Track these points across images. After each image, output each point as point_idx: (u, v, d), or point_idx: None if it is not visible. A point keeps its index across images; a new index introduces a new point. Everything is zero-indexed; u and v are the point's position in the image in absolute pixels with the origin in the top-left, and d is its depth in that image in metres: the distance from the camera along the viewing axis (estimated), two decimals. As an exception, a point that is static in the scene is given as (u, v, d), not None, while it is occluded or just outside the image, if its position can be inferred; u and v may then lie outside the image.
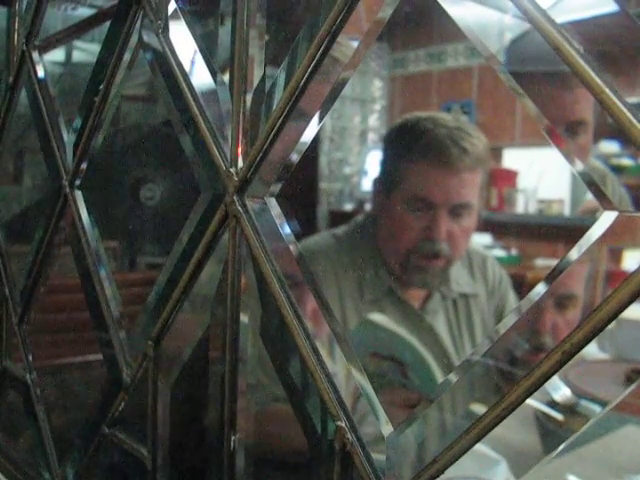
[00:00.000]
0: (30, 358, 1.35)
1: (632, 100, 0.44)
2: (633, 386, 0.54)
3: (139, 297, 1.03)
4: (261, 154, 0.72)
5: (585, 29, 0.48)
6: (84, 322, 1.16)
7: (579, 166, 0.50)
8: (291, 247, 0.73)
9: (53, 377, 1.49)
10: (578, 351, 0.47)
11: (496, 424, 0.52)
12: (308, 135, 0.72)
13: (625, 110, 0.43)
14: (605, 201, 0.47)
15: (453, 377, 0.63)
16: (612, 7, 0.47)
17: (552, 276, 0.53)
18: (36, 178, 1.76)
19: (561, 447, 0.56)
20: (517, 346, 0.57)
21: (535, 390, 0.50)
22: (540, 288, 0.54)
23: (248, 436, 0.80)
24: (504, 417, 0.51)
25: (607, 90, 0.44)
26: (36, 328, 1.38)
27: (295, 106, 0.69)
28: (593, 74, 0.45)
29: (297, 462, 0.89)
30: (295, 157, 0.73)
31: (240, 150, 0.75)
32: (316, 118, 0.71)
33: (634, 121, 0.43)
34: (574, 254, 0.50)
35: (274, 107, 0.71)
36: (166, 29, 0.84)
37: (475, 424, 0.54)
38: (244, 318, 0.77)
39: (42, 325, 1.47)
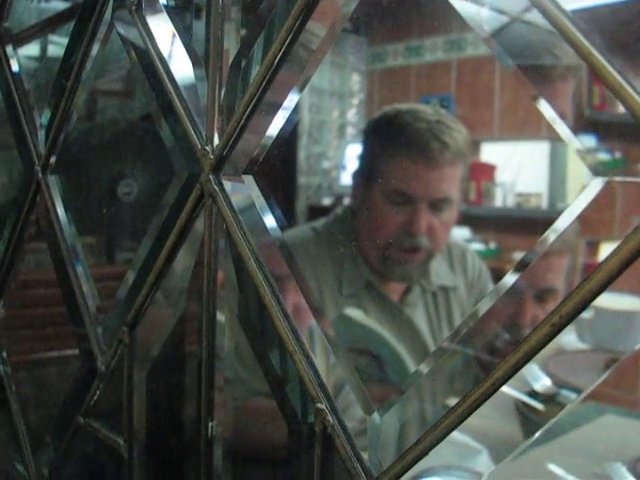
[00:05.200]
0: (4, 352, 1.33)
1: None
2: (607, 374, 0.53)
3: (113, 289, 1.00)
4: (237, 131, 0.70)
5: (598, 17, 0.46)
6: (57, 313, 1.13)
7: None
8: (269, 227, 0.71)
9: (28, 372, 1.47)
10: (567, 323, 0.45)
11: (484, 400, 0.50)
12: (286, 111, 0.71)
13: (633, 93, 0.41)
14: (594, 169, 0.46)
15: (433, 360, 0.62)
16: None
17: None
18: (12, 174, 1.75)
19: (538, 434, 0.55)
20: (498, 331, 0.56)
21: (523, 365, 0.48)
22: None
23: (226, 424, 0.78)
24: (493, 393, 0.50)
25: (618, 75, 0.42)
26: (10, 323, 1.36)
27: (272, 80, 0.67)
28: (596, 52, 0.43)
29: (277, 449, 0.87)
30: (272, 134, 0.71)
31: (216, 127, 0.73)
32: (294, 94, 0.70)
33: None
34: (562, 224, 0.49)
35: (251, 81, 0.69)
36: (139, 6, 0.82)
37: (461, 402, 0.52)
38: (221, 301, 0.75)
39: (16, 319, 1.45)
